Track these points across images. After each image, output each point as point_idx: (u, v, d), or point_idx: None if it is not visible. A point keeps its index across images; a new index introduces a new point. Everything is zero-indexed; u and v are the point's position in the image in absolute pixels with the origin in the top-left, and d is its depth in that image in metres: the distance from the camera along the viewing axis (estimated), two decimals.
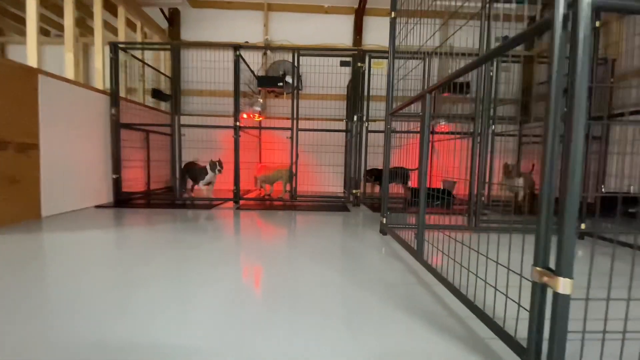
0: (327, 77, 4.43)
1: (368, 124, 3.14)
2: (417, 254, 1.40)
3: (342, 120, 4.52)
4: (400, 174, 3.50)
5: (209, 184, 3.35)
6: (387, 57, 3.25)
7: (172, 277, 1.27)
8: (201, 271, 1.34)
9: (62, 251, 1.58)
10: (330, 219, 2.56)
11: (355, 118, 3.08)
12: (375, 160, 4.06)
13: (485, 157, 2.15)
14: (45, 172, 2.41)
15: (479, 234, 1.96)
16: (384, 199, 1.98)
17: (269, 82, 3.18)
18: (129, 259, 1.47)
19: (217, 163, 3.26)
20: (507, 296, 0.84)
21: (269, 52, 4.43)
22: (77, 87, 2.69)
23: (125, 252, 1.59)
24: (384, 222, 1.99)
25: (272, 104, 4.58)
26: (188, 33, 4.58)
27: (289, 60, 4.29)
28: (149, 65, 3.73)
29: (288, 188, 3.34)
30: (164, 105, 4.29)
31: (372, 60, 3.11)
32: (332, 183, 4.48)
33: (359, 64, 3.07)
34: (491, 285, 0.92)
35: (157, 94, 3.81)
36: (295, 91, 3.14)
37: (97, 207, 2.89)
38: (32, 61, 2.38)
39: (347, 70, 4.53)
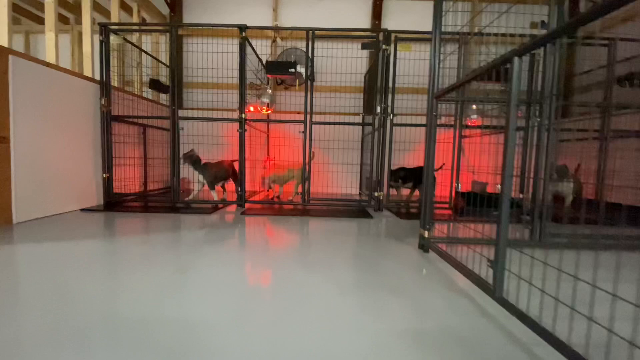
0: (341, 68, 4.02)
1: (393, 117, 2.71)
2: (494, 289, 0.98)
3: (358, 114, 4.11)
4: (421, 175, 3.06)
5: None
6: (415, 40, 2.85)
7: (155, 320, 0.88)
8: (197, 313, 0.94)
9: (21, 272, 1.20)
10: (352, 228, 2.15)
11: (378, 109, 2.66)
12: (400, 159, 3.62)
13: (548, 155, 1.72)
14: (18, 170, 2.06)
15: (550, 251, 1.53)
16: (425, 206, 1.56)
17: (280, 69, 2.77)
18: (104, 288, 1.08)
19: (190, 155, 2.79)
20: None
21: (278, 40, 4.03)
22: (59, 73, 2.33)
23: (101, 276, 1.20)
24: (426, 235, 1.57)
25: (281, 98, 4.19)
26: (191, 20, 4.21)
27: (301, 48, 3.88)
28: (145, 51, 3.37)
29: (300, 190, 2.94)
30: (165, 98, 3.93)
31: (398, 42, 2.68)
32: (346, 184, 4.06)
33: (384, 46, 2.64)
34: None
35: (155, 84, 3.44)
36: (309, 80, 2.73)
37: (83, 210, 2.53)
38: (1, 39, 2.03)
39: (364, 59, 4.10)
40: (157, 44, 3.86)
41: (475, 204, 1.61)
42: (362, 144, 3.99)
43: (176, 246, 1.61)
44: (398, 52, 2.70)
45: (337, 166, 4.02)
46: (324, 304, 1.01)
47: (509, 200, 0.95)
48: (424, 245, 1.59)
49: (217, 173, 2.90)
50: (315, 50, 2.74)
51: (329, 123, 2.81)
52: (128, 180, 3.10)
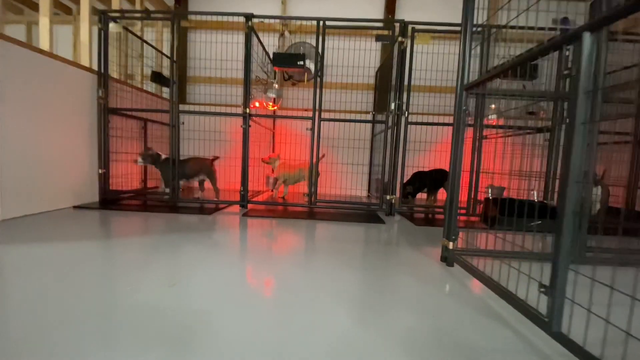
0: (352, 64, 3.84)
1: (408, 114, 2.52)
2: (549, 322, 0.79)
3: (368, 112, 3.92)
4: (440, 179, 2.85)
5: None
6: (434, 32, 2.65)
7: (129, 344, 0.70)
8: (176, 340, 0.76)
9: None
10: (362, 234, 1.96)
11: (393, 106, 2.47)
12: (414, 159, 3.41)
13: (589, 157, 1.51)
14: (5, 163, 1.91)
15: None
16: (451, 213, 1.37)
17: (287, 61, 2.60)
18: (80, 298, 0.91)
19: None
20: None
21: (286, 33, 3.86)
22: (53, 61, 2.18)
23: (81, 283, 1.03)
24: (450, 247, 1.38)
25: (288, 95, 4.01)
26: None
27: (310, 43, 3.71)
28: (146, 42, 3.22)
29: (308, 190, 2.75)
30: (167, 92, 3.78)
31: (416, 34, 2.49)
32: (353, 185, 3.87)
33: (400, 39, 2.45)
34: None
35: (157, 77, 3.29)
36: (319, 74, 2.55)
37: (76, 207, 2.38)
38: None
39: (376, 52, 3.91)
40: (160, 34, 3.71)
41: (511, 213, 1.40)
42: (372, 143, 3.80)
43: (169, 251, 1.44)
44: (415, 46, 2.50)
45: (345, 166, 3.83)
46: (330, 331, 0.83)
47: (572, 212, 0.76)
48: (448, 258, 1.40)
49: (180, 170, 2.76)
50: (325, 44, 2.55)
51: (340, 120, 2.63)
52: (126, 176, 2.95)
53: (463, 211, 2.51)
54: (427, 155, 3.52)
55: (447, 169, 2.99)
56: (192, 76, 4.04)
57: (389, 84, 2.51)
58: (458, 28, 2.52)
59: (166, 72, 3.68)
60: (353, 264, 1.39)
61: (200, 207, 2.61)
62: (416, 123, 2.60)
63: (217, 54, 3.75)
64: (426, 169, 2.91)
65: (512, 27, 1.46)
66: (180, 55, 3.94)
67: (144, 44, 3.29)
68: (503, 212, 1.58)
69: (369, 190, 3.89)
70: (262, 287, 1.10)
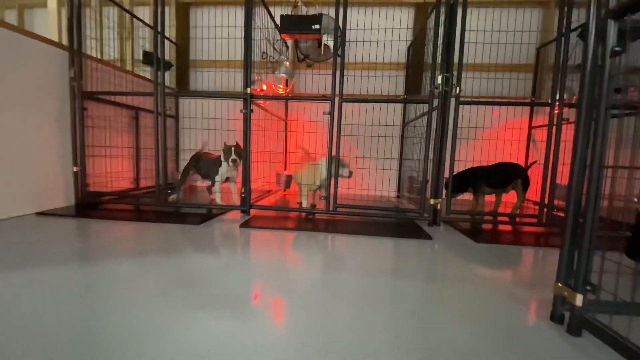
0: (378, 38, 3.22)
1: (459, 90, 1.88)
2: None
3: (398, 97, 3.30)
4: (510, 176, 2.17)
5: (227, 180, 2.31)
6: None
7: None
8: None
9: None
10: (405, 259, 1.37)
11: (439, 80, 1.84)
12: (466, 153, 2.75)
13: None
14: None
15: None
16: (571, 238, 0.76)
17: (298, 25, 2.03)
18: None
19: (232, 148, 2.18)
20: None
21: (300, 4, 3.28)
22: (9, 32, 1.72)
23: None
24: (579, 302, 0.77)
25: (303, 79, 3.44)
26: None
27: (329, 15, 3.11)
28: (132, 14, 2.74)
29: (323, 193, 2.18)
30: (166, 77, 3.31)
31: None
32: (380, 184, 3.27)
33: None
34: None
35: (149, 58, 2.81)
36: (339, 51, 1.96)
37: (40, 214, 1.92)
38: None
39: (407, 26, 3.27)
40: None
41: None
42: (403, 132, 3.18)
43: (111, 294, 0.92)
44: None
45: (368, 161, 3.23)
46: None
47: None
48: (568, 319, 0.79)
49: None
50: (347, 12, 1.96)
51: (366, 101, 2.03)
52: (110, 175, 2.49)
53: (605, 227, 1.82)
54: (473, 145, 2.85)
55: (501, 162, 2.33)
56: (195, 60, 3.56)
57: (435, 52, 1.88)
58: None
59: (166, 56, 3.21)
60: (400, 324, 0.81)
61: (190, 212, 2.11)
62: (471, 103, 1.96)
63: (222, 33, 3.26)
64: (472, 164, 2.26)
65: None
66: (181, 36, 3.47)
67: (134, 19, 2.82)
68: None
69: (398, 191, 3.27)
70: None
